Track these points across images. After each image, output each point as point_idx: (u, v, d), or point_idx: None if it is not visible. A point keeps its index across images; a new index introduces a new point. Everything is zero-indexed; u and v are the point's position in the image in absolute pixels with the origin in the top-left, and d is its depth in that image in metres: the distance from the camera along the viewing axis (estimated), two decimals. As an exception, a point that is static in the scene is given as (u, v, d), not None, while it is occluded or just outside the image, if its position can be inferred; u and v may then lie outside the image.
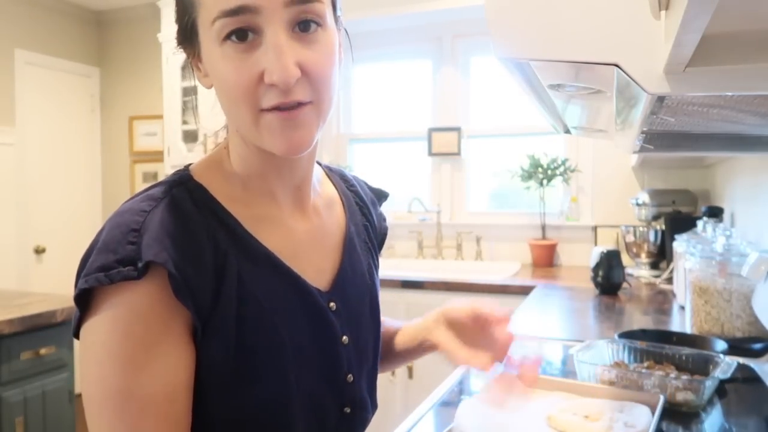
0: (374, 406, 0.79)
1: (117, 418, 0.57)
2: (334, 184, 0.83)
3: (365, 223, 0.84)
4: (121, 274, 0.56)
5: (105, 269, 0.57)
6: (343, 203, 0.81)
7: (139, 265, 0.56)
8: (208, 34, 0.60)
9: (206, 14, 0.59)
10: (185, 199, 0.64)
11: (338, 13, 0.66)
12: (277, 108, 0.59)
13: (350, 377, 0.74)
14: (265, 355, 0.64)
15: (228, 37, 0.58)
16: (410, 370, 2.49)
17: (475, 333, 0.78)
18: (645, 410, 0.91)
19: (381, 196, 0.91)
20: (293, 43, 0.59)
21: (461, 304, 0.81)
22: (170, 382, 0.59)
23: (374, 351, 0.80)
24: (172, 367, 0.59)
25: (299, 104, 0.59)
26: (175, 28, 0.67)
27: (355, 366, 0.75)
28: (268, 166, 0.69)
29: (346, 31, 0.71)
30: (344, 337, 0.73)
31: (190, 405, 0.61)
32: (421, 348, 0.86)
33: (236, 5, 0.56)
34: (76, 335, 0.62)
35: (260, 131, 0.61)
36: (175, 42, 0.68)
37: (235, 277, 0.63)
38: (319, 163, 0.82)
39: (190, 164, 0.71)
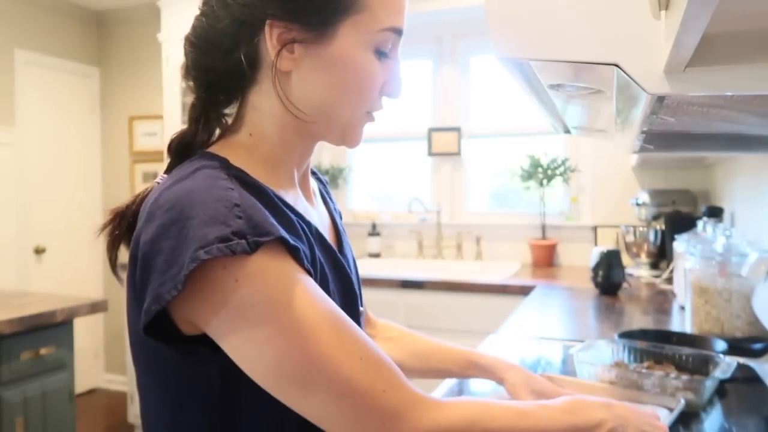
0: None
1: (340, 346, 0.57)
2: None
3: (334, 207, 0.90)
4: (241, 246, 0.54)
5: (224, 240, 0.54)
6: (319, 189, 0.88)
7: (264, 239, 0.56)
8: (363, 36, 0.65)
9: (370, 20, 0.65)
10: (245, 179, 0.63)
11: None
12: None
13: None
14: None
15: (382, 47, 0.67)
16: (410, 370, 2.49)
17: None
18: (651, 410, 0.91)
19: (325, 182, 0.96)
20: None
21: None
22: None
23: None
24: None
25: None
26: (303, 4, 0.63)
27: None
28: (298, 152, 0.72)
29: None
30: (361, 308, 0.79)
31: None
32: (468, 374, 0.96)
33: (403, 27, 0.68)
34: (149, 326, 0.57)
35: (355, 125, 0.72)
36: (284, 14, 0.63)
37: (315, 252, 0.67)
38: None
39: (205, 151, 0.68)
